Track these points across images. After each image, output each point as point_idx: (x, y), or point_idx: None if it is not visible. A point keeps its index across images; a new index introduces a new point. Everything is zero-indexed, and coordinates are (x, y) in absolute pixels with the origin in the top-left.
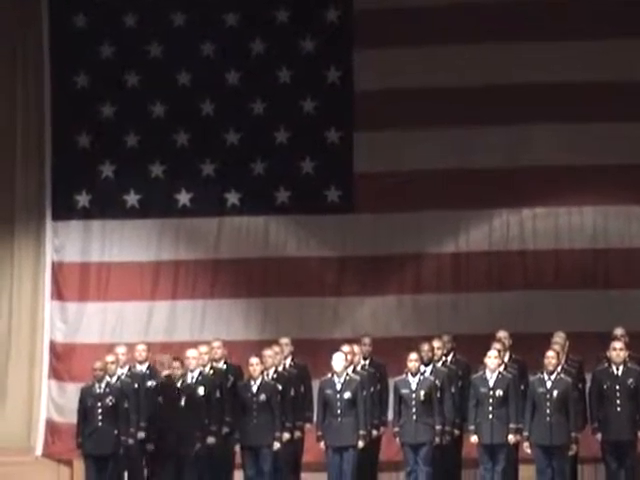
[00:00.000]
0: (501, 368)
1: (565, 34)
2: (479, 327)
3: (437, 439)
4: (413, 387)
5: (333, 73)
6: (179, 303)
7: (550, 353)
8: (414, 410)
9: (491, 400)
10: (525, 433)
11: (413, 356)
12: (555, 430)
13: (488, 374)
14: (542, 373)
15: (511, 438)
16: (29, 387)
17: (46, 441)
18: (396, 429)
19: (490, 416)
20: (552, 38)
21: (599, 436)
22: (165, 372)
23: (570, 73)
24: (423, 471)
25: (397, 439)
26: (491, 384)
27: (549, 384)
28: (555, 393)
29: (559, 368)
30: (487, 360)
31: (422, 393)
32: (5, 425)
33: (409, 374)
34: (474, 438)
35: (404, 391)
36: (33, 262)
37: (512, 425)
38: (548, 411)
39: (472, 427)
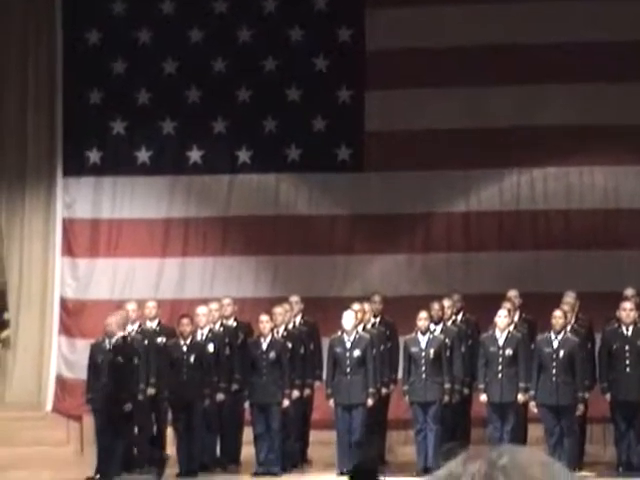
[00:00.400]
0: (511, 327)
1: None
2: (489, 286)
3: (446, 398)
4: (423, 346)
5: (345, 32)
6: (189, 260)
7: (557, 312)
8: (423, 369)
9: (500, 359)
10: (531, 392)
11: (423, 315)
12: (562, 390)
13: (498, 333)
14: (549, 332)
15: (520, 397)
16: (39, 343)
17: (56, 397)
18: (405, 387)
19: (499, 375)
20: None
21: (608, 396)
22: (119, 333)
23: (584, 33)
24: (432, 429)
25: (406, 397)
26: (501, 343)
27: (556, 344)
28: (562, 353)
29: (567, 327)
30: (497, 319)
31: (432, 352)
32: (15, 381)
33: (419, 333)
34: (483, 397)
35: (414, 350)
36: (44, 219)
37: (521, 384)
38: (554, 371)
39: (482, 386)
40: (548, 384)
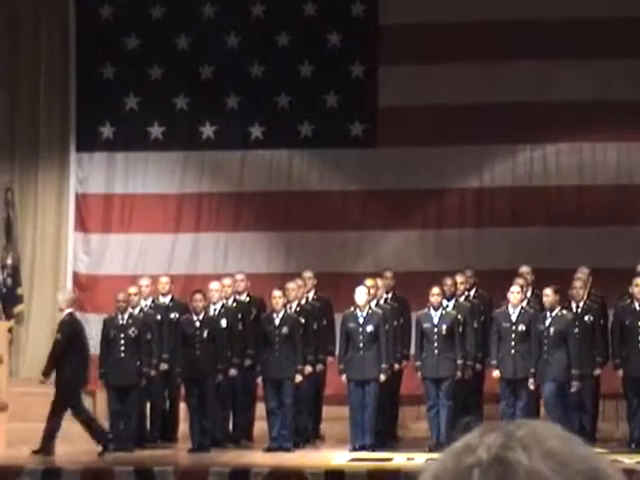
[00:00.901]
0: (524, 303)
1: None
2: (502, 262)
3: (459, 373)
4: (435, 321)
5: (358, 7)
6: (202, 236)
7: (547, 291)
8: (436, 344)
9: (513, 335)
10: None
11: (435, 290)
12: (553, 366)
13: (510, 309)
14: (506, 306)
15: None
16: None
17: None
18: (418, 363)
19: (512, 351)
20: None
21: (620, 372)
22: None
23: (598, 9)
24: (445, 405)
25: (418, 373)
26: (513, 319)
27: (548, 321)
28: (552, 330)
29: (523, 304)
30: (510, 295)
31: (444, 327)
32: (29, 356)
33: (431, 308)
34: (496, 373)
35: (426, 325)
36: (57, 193)
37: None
38: (545, 348)
39: (494, 362)
40: (540, 361)
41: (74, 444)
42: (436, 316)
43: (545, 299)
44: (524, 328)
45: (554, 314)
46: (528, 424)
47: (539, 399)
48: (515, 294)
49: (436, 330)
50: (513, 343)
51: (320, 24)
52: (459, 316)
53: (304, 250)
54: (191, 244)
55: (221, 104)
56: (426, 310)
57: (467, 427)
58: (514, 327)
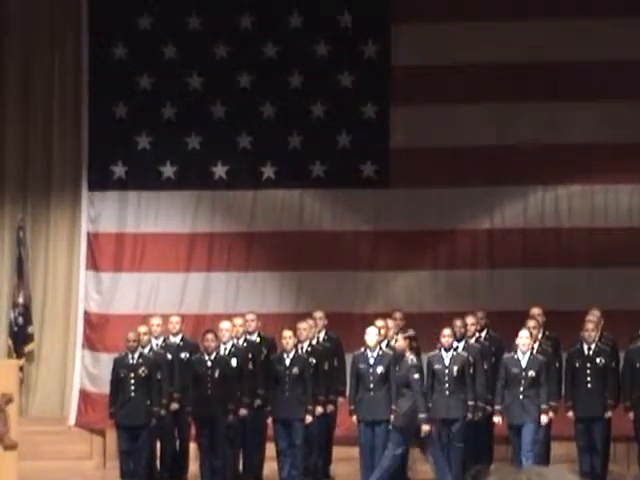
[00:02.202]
0: (536, 345)
1: (606, 11)
2: (513, 304)
3: (469, 415)
4: (446, 362)
5: (370, 47)
6: (214, 275)
7: (524, 332)
8: (447, 385)
9: (523, 381)
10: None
11: (447, 332)
12: (527, 407)
13: (520, 355)
14: (515, 351)
15: (543, 419)
16: (63, 357)
17: (79, 411)
18: (429, 405)
19: (521, 397)
20: (594, 15)
21: (631, 414)
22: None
23: (610, 51)
24: (455, 446)
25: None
26: (523, 365)
27: (524, 363)
28: (530, 373)
29: (535, 345)
30: (519, 341)
31: (455, 369)
32: (39, 395)
33: (442, 350)
34: (498, 419)
35: (437, 367)
36: (69, 232)
37: (544, 406)
38: (521, 389)
39: (498, 407)
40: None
41: None
42: (447, 357)
43: (519, 341)
44: (534, 374)
45: (527, 357)
46: (539, 472)
47: (550, 441)
48: (524, 339)
49: (447, 371)
50: (522, 389)
51: (332, 65)
52: (470, 358)
53: (315, 290)
54: (202, 283)
55: (233, 144)
56: (437, 351)
57: (477, 475)
58: (524, 373)
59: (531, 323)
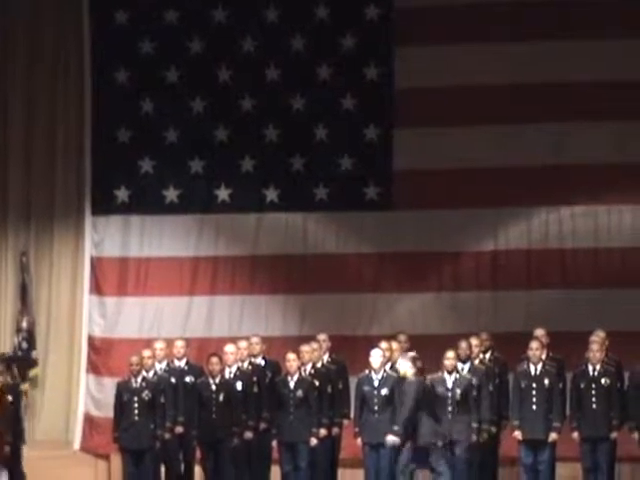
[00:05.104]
0: (539, 367)
1: (608, 32)
2: (517, 325)
3: (474, 437)
4: (449, 386)
5: (373, 70)
6: (218, 299)
7: (534, 344)
8: (450, 409)
9: (534, 392)
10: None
11: (450, 354)
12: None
13: (531, 366)
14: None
15: (552, 435)
16: (67, 381)
17: (84, 435)
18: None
19: (534, 407)
20: (596, 36)
21: (636, 435)
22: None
23: (613, 70)
24: (460, 469)
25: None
26: (533, 374)
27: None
28: (546, 382)
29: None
30: (529, 352)
31: (458, 392)
32: (43, 419)
33: (445, 372)
34: (517, 433)
35: (440, 390)
36: (72, 257)
37: (556, 424)
38: (535, 399)
39: (517, 422)
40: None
41: None
42: (450, 380)
43: (530, 353)
44: (548, 384)
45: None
46: None
47: (554, 461)
48: (534, 351)
49: (450, 395)
50: (535, 399)
51: (334, 87)
52: (474, 380)
53: (319, 313)
54: (206, 307)
55: (236, 167)
56: (440, 374)
57: None
58: (535, 384)
59: (534, 344)
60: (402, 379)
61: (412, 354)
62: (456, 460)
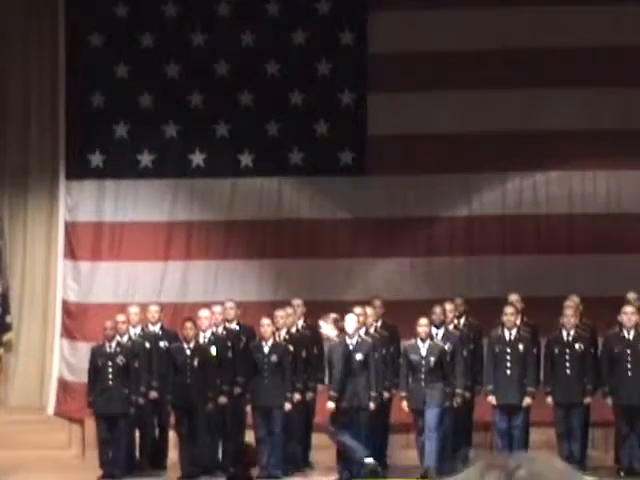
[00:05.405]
0: (514, 332)
1: (578, 0)
2: (491, 290)
3: (447, 402)
4: (423, 353)
5: (347, 35)
6: (192, 264)
7: (508, 309)
8: (423, 376)
9: (509, 357)
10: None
11: (423, 321)
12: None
13: (506, 331)
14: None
15: (527, 400)
16: (41, 346)
17: (58, 400)
18: (403, 394)
19: (508, 372)
20: (567, 3)
21: (610, 400)
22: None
23: (585, 37)
24: (433, 435)
25: (403, 403)
26: (507, 339)
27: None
28: (520, 347)
29: (513, 331)
30: (504, 317)
31: (432, 359)
32: (17, 384)
33: (419, 340)
34: (491, 398)
35: (413, 357)
36: (46, 221)
37: (530, 388)
38: (509, 364)
39: (491, 387)
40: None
41: (65, 473)
42: (424, 348)
43: (504, 318)
44: (521, 349)
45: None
46: (528, 461)
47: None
48: (509, 316)
49: (423, 362)
50: (509, 364)
51: (310, 53)
52: (447, 346)
53: (294, 278)
54: (181, 272)
55: (211, 132)
56: (413, 341)
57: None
58: (508, 349)
59: (509, 309)
60: (326, 341)
61: (334, 315)
62: (429, 426)
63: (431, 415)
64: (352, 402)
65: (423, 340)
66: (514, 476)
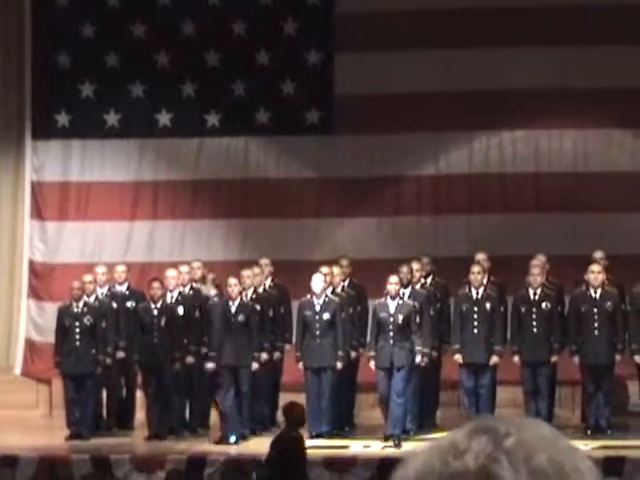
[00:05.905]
0: (481, 290)
1: None
2: (458, 249)
3: (416, 360)
4: (391, 311)
5: None
6: (159, 224)
7: (475, 268)
8: (391, 334)
9: (475, 316)
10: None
11: (393, 279)
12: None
13: (473, 290)
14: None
15: (494, 359)
16: (8, 306)
17: (25, 360)
18: (372, 353)
19: (475, 331)
20: None
21: (576, 359)
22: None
23: None
24: (400, 400)
25: (372, 363)
26: (474, 298)
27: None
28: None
29: (480, 290)
30: (471, 276)
31: (400, 317)
32: None
33: (388, 297)
34: (458, 357)
35: (382, 315)
36: (12, 181)
37: (497, 347)
38: (476, 323)
39: (457, 346)
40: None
41: (32, 433)
42: (392, 305)
43: (472, 277)
44: (488, 308)
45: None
46: (517, 428)
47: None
48: (476, 275)
49: (392, 320)
50: (476, 323)
51: (275, 12)
52: (415, 304)
53: (261, 237)
54: (147, 232)
55: (177, 92)
56: (383, 299)
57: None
58: (476, 307)
59: (476, 268)
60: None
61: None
62: (395, 389)
63: (398, 378)
64: (320, 362)
65: (392, 298)
66: (502, 446)
